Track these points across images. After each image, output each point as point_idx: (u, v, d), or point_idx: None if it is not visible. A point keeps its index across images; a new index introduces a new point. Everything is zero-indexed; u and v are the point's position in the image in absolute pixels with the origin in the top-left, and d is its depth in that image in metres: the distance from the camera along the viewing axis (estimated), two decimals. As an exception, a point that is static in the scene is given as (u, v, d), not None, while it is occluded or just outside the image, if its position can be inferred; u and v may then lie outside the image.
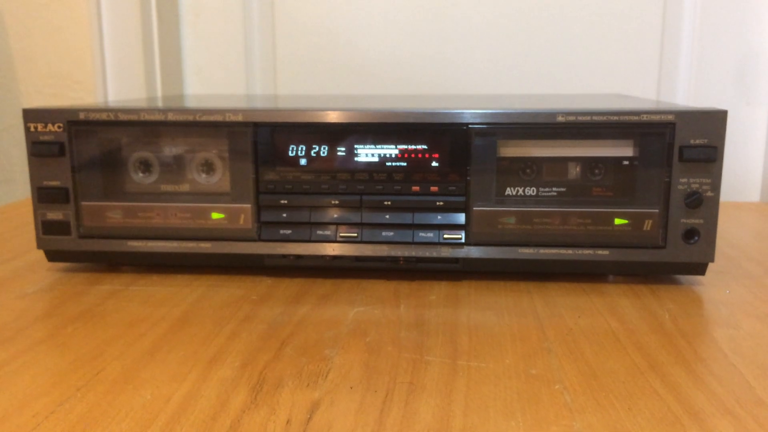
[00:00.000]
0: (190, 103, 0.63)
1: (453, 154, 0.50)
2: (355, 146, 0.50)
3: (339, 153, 0.51)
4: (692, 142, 0.48)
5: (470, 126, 0.49)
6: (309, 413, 0.33)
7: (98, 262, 0.56)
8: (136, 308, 0.47)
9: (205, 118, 0.51)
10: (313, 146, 0.51)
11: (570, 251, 0.50)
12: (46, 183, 0.52)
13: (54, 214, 0.53)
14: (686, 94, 0.93)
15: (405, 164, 0.50)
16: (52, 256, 0.54)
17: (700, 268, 0.51)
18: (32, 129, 0.51)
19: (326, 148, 0.51)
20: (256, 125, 0.51)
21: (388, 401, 0.34)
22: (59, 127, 0.51)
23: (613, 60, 0.93)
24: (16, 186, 1.01)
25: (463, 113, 0.49)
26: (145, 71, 0.95)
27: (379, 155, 0.50)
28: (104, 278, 0.53)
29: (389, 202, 0.51)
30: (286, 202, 0.51)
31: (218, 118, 0.51)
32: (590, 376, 0.37)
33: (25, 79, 0.97)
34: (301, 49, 0.97)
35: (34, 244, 0.60)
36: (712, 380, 0.36)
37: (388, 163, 0.51)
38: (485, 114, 0.49)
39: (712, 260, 0.50)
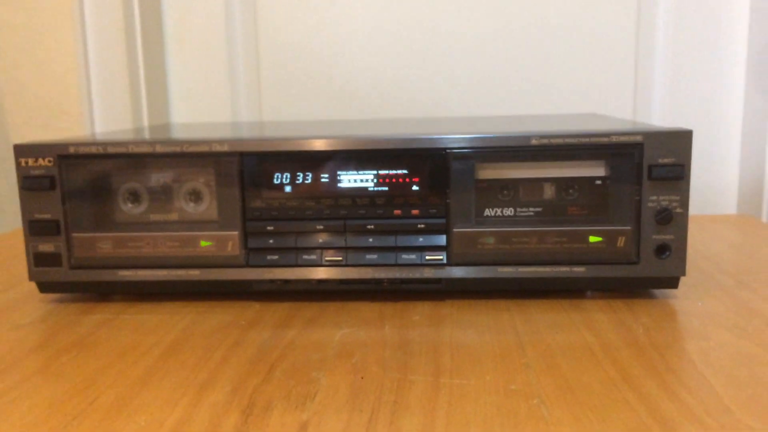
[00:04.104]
0: (177, 133, 0.65)
1: (433, 178, 0.52)
2: (338, 172, 0.52)
3: (322, 179, 0.52)
4: (660, 161, 0.50)
5: (448, 150, 0.51)
6: (297, 434, 0.34)
7: (89, 292, 0.57)
8: (127, 337, 0.48)
9: (191, 149, 0.52)
10: (298, 174, 0.52)
11: (548, 269, 0.52)
12: (37, 216, 0.54)
13: (45, 246, 0.54)
14: (661, 110, 0.96)
15: (386, 189, 0.52)
16: (45, 287, 0.56)
17: (672, 282, 0.53)
18: (23, 164, 0.53)
19: (310, 175, 0.52)
20: (242, 155, 0.52)
21: (374, 420, 0.35)
22: (49, 161, 0.53)
23: (589, 78, 0.95)
24: (5, 216, 1.02)
25: (441, 138, 0.51)
26: (132, 100, 0.96)
27: (362, 180, 0.52)
28: (95, 308, 0.54)
29: (372, 226, 0.52)
30: (272, 228, 0.53)
31: (204, 148, 0.52)
32: (566, 390, 0.38)
33: (12, 111, 0.98)
34: (286, 75, 0.99)
35: (25, 275, 0.62)
36: (682, 391, 0.38)
37: (370, 188, 0.52)
38: (463, 139, 0.51)
39: (684, 274, 0.52)
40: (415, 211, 0.52)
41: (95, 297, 0.57)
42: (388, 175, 0.52)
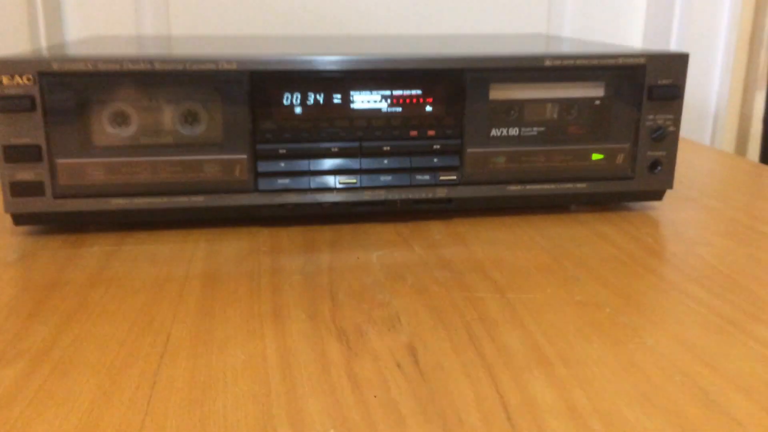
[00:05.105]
0: (158, 48, 0.59)
1: (449, 99, 0.52)
2: (353, 93, 0.51)
3: (336, 100, 0.51)
4: (659, 82, 0.53)
5: (466, 71, 0.51)
6: (412, 356, 0.34)
7: (79, 223, 0.52)
8: (149, 269, 0.45)
9: (196, 68, 0.48)
10: (310, 94, 0.50)
11: (553, 186, 0.54)
12: (14, 141, 0.48)
13: (24, 174, 0.48)
14: (571, 21, 1.00)
15: (401, 110, 0.51)
16: (23, 219, 0.50)
17: (659, 195, 0.57)
18: (-4, 81, 0.46)
19: (323, 96, 0.50)
20: (252, 73, 0.49)
21: (474, 338, 0.36)
22: (29, 78, 0.47)
23: None
24: None
25: (459, 58, 0.51)
26: (28, 8, 0.86)
27: (376, 101, 0.51)
28: (86, 240, 0.50)
29: (388, 148, 0.52)
30: (284, 151, 0.51)
31: (211, 67, 0.48)
32: (627, 298, 0.41)
33: None
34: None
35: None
36: (725, 293, 0.42)
37: (385, 109, 0.51)
38: (480, 59, 0.51)
39: (671, 187, 0.56)
40: (430, 132, 0.52)
41: (77, 229, 0.52)
42: (403, 95, 0.51)
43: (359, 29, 0.95)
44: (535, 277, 0.44)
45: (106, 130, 0.49)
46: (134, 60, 0.48)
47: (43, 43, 0.89)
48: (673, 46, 1.00)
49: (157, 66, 0.48)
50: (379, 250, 0.49)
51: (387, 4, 0.95)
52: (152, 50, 0.59)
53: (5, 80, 0.46)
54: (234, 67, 0.49)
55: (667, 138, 0.54)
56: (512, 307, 0.40)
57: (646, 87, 0.53)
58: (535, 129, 0.54)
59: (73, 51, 0.54)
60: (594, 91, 0.54)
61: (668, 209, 0.58)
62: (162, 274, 0.44)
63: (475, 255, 0.48)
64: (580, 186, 0.55)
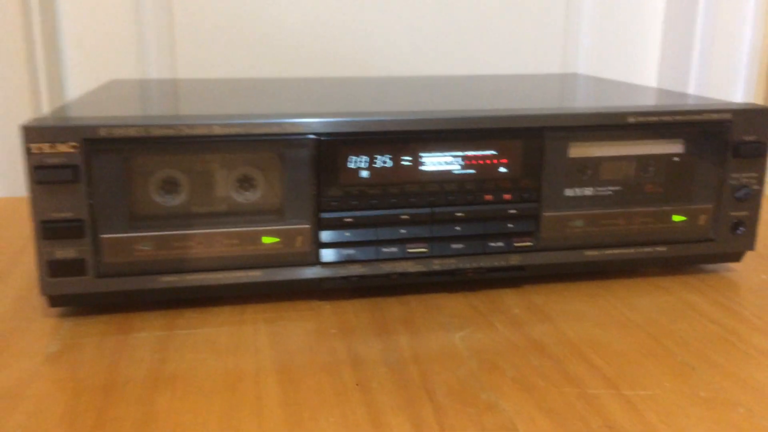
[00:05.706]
0: (195, 105, 0.55)
1: (525, 159, 0.48)
2: (424, 154, 0.46)
3: (405, 162, 0.46)
4: (745, 138, 0.50)
5: (546, 129, 0.47)
6: (551, 483, 0.30)
7: (121, 304, 0.47)
8: (213, 362, 0.40)
9: (259, 131, 0.44)
10: (378, 156, 0.46)
11: (632, 250, 0.51)
12: (53, 215, 0.42)
13: (65, 252, 0.43)
14: (586, 59, 0.96)
15: (474, 172, 0.47)
16: (60, 300, 0.45)
17: (738, 257, 0.54)
18: (36, 150, 0.41)
19: (392, 158, 0.46)
20: (319, 136, 0.45)
21: (610, 453, 0.32)
22: (73, 146, 0.42)
23: (519, 33, 0.93)
24: None
25: (539, 116, 0.47)
26: (26, 45, 0.81)
27: (449, 163, 0.47)
28: (131, 323, 0.45)
29: (461, 214, 0.48)
30: (351, 220, 0.46)
31: (275, 129, 0.44)
32: (755, 391, 0.37)
33: None
34: (203, 25, 0.86)
35: None
36: None
37: (458, 171, 0.47)
38: (559, 116, 0.47)
39: (753, 249, 0.53)
40: (506, 196, 0.48)
41: (118, 308, 0.47)
42: (476, 156, 0.47)
43: (371, 70, 0.90)
44: (643, 364, 0.40)
45: (154, 200, 0.44)
46: (191, 124, 0.43)
47: (42, 78, 0.83)
48: (692, 84, 0.97)
49: (216, 130, 0.43)
50: (460, 329, 0.44)
51: (397, 43, 0.90)
52: (187, 102, 0.54)
53: (46, 148, 0.41)
54: (300, 129, 0.44)
55: (751, 198, 0.51)
56: (636, 408, 0.35)
57: (731, 144, 0.50)
58: (610, 188, 0.50)
59: (110, 108, 0.49)
60: (672, 147, 0.50)
61: (745, 269, 0.54)
62: (230, 370, 0.39)
63: (567, 335, 0.44)
64: (660, 249, 0.51)
